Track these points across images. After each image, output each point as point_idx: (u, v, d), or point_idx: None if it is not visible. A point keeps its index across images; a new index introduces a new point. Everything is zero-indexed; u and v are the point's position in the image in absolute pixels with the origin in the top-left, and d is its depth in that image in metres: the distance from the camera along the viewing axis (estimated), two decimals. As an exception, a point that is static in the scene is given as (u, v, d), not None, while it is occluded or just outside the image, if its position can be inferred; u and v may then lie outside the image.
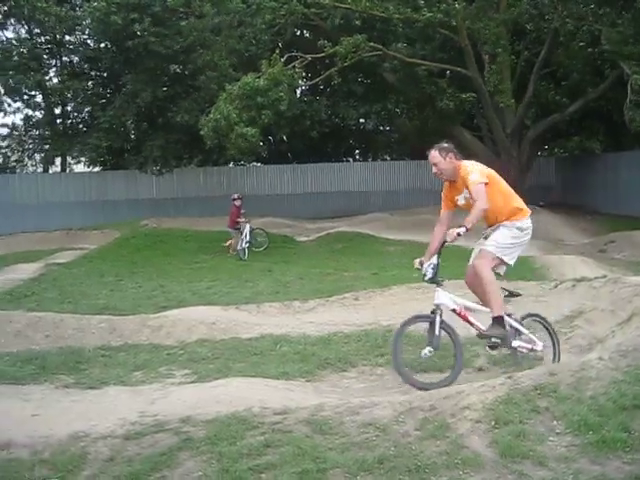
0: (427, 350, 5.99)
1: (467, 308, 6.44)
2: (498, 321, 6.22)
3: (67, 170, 33.62)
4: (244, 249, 17.30)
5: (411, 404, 5.07)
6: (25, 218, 28.51)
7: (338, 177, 29.83)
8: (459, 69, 23.78)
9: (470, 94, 23.49)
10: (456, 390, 5.28)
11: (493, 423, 4.55)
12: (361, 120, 32.34)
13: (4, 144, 33.37)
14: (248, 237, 17.83)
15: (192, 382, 6.54)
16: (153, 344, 8.16)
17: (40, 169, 33.79)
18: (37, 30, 30.75)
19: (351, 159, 35.64)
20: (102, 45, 30.57)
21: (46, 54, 31.24)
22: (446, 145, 6.49)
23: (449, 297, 6.31)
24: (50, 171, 33.64)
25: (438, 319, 6.07)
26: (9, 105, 32.19)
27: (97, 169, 33.42)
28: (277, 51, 21.58)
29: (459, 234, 6.09)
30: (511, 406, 4.67)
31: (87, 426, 5.32)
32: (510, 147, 24.26)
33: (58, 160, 33.34)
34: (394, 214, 23.97)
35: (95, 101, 30.41)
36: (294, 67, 21.68)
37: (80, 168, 35.24)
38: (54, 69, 32.12)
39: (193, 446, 4.74)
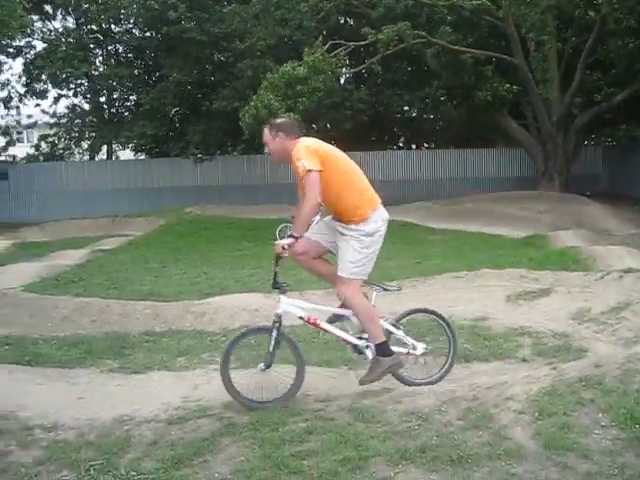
0: (261, 366, 5.39)
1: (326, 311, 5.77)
2: (382, 348, 5.42)
3: (113, 158, 34.01)
4: None
5: (454, 394, 5.05)
6: (72, 205, 28.97)
7: (382, 165, 29.63)
8: (505, 56, 23.48)
9: (512, 86, 23.18)
10: (500, 381, 5.25)
11: (537, 415, 4.50)
12: (405, 108, 32.13)
13: (52, 132, 33.86)
14: None
15: (235, 368, 6.57)
16: (196, 330, 8.23)
17: (87, 157, 34.20)
18: (83, 20, 31.10)
19: (395, 147, 35.41)
20: (146, 34, 30.88)
21: (92, 44, 31.58)
22: (279, 121, 5.61)
23: (293, 304, 5.59)
24: (96, 159, 34.05)
25: (275, 333, 5.39)
26: (57, 95, 32.81)
27: (142, 157, 33.72)
28: (319, 39, 21.52)
29: (284, 248, 5.30)
30: (555, 398, 4.62)
31: (131, 410, 5.41)
32: (556, 136, 23.89)
33: (104, 148, 33.72)
34: (437, 203, 23.80)
35: (140, 89, 30.69)
36: (336, 55, 21.60)
37: (126, 155, 35.59)
38: (100, 58, 32.49)
39: (235, 431, 4.79)
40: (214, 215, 21.86)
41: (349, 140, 31.26)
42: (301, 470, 4.19)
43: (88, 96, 32.68)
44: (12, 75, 31.84)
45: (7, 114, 33.57)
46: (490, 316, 8.05)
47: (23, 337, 8.34)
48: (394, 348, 5.51)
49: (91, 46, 31.42)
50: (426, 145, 35.47)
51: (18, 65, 31.15)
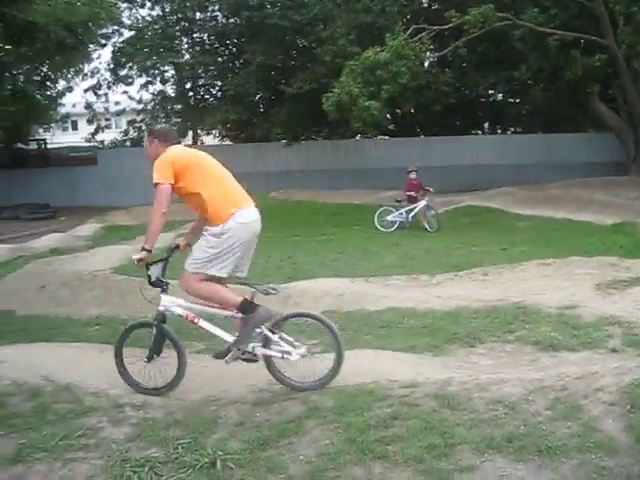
0: (144, 359, 5.61)
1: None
2: (244, 306, 5.50)
3: (198, 143, 34.53)
4: (429, 220, 16.93)
5: (542, 383, 4.96)
6: (159, 189, 29.53)
7: (466, 150, 29.26)
8: (594, 37, 22.75)
9: (600, 56, 22.29)
10: (589, 371, 5.13)
11: (629, 407, 4.39)
12: (490, 92, 31.61)
13: (138, 119, 34.61)
14: (411, 214, 17.36)
15: (319, 352, 6.60)
16: (281, 314, 8.28)
17: (172, 143, 34.77)
18: (169, 9, 31.65)
19: (479, 132, 34.91)
20: (230, 20, 31.19)
21: (178, 32, 32.10)
22: (158, 128, 5.81)
23: (174, 302, 5.76)
24: (182, 144, 34.59)
25: (155, 330, 5.64)
26: (143, 82, 33.57)
27: (227, 142, 34.12)
28: (401, 23, 21.31)
29: (139, 260, 5.51)
30: (649, 389, 4.50)
31: (218, 391, 5.50)
32: (648, 120, 23.13)
33: (190, 133, 34.27)
34: (523, 189, 23.35)
35: (224, 75, 31.04)
36: (420, 39, 21.33)
37: (211, 141, 36.08)
38: (185, 46, 32.99)
39: (320, 415, 4.82)
40: (298, 200, 22.00)
41: (433, 124, 31.07)
42: (386, 455, 4.20)
43: (173, 83, 33.29)
44: (100, 63, 32.70)
45: (96, 101, 34.53)
46: (579, 304, 7.85)
47: (113, 317, 8.60)
48: (267, 352, 5.49)
49: (177, 34, 31.95)
50: (511, 129, 34.85)
51: (106, 53, 31.95)
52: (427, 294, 9.22)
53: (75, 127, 49.29)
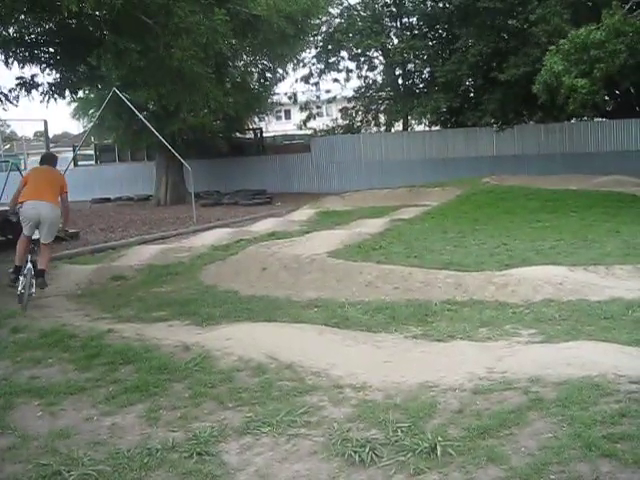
0: None
1: None
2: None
3: (408, 129, 34.59)
4: None
5: None
6: (370, 175, 30.07)
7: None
8: None
9: None
10: None
11: None
12: None
13: (350, 106, 35.22)
14: None
15: (539, 342, 6.41)
16: (498, 301, 8.11)
17: (382, 129, 35.15)
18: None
19: None
20: (439, 4, 30.90)
21: (387, 16, 32.24)
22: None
23: None
24: (392, 130, 34.85)
25: None
26: (354, 68, 34.07)
27: (437, 128, 33.93)
28: (617, -1, 20.04)
29: None
30: None
31: (436, 377, 5.48)
32: None
33: (400, 119, 34.42)
34: None
35: (434, 60, 30.82)
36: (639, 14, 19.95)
37: (420, 127, 36.07)
38: (394, 31, 33.07)
39: (543, 407, 4.67)
40: (511, 185, 21.44)
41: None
42: (614, 454, 3.99)
43: (382, 70, 33.54)
44: (310, 52, 33.54)
45: (308, 89, 35.54)
46: None
47: (331, 300, 8.80)
48: None
49: (386, 19, 32.10)
50: None
51: (317, 42, 32.67)
52: (655, 285, 8.70)
53: (288, 116, 51.10)
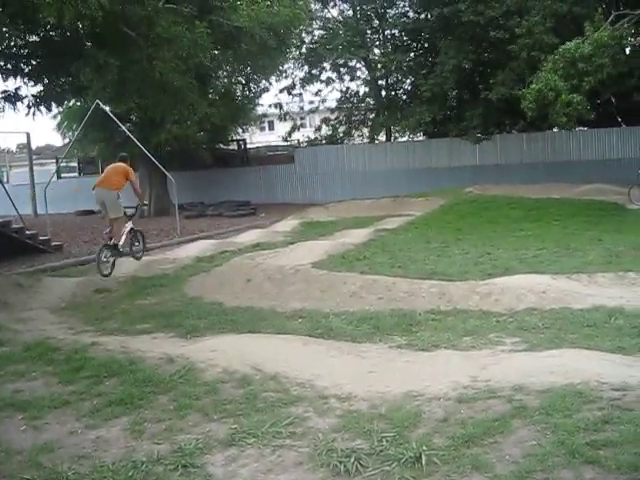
0: None
1: None
2: None
3: (391, 139, 34.69)
4: None
5: None
6: (353, 186, 30.11)
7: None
8: None
9: None
10: None
11: None
12: None
13: (333, 117, 35.32)
14: None
15: (523, 350, 6.45)
16: (482, 310, 8.16)
17: (366, 139, 35.25)
18: (359, 6, 32.01)
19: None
20: (422, 16, 31.07)
21: (369, 29, 32.39)
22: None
23: None
24: (375, 141, 34.97)
25: None
26: (336, 79, 34.23)
27: (420, 138, 34.03)
28: (600, 10, 20.23)
29: None
30: None
31: (420, 386, 5.50)
32: None
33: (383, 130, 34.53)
34: None
35: (417, 72, 30.96)
36: (622, 26, 20.13)
37: (403, 137, 36.16)
38: (377, 43, 33.23)
39: (527, 415, 4.70)
40: (494, 195, 21.54)
41: (636, 112, 29.34)
42: (597, 460, 4.02)
43: (365, 81, 33.68)
44: (292, 64, 33.66)
45: (291, 101, 35.63)
46: None
47: (315, 311, 8.81)
48: None
49: (368, 32, 32.26)
50: None
51: (300, 54, 32.86)
52: (635, 293, 8.75)
53: (271, 127, 51.14)
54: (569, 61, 18.60)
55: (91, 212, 31.31)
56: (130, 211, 13.18)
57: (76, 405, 5.56)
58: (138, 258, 12.94)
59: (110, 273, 11.83)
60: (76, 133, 26.67)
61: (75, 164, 38.62)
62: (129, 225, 12.63)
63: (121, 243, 12.19)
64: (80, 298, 10.88)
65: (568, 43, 18.96)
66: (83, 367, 6.39)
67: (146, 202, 16.45)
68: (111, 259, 12.02)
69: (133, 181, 12.75)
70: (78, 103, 25.12)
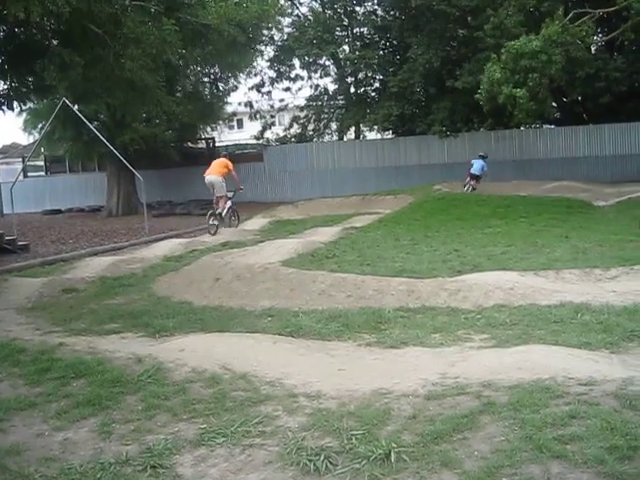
0: None
1: None
2: None
3: (360, 137, 34.78)
4: None
5: None
6: (323, 184, 30.17)
7: (639, 138, 27.86)
8: None
9: None
10: None
11: None
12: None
13: (302, 115, 35.34)
14: None
15: (491, 347, 6.49)
16: (450, 307, 8.20)
17: (335, 137, 35.30)
18: (328, 3, 32.07)
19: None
20: (390, 13, 31.21)
21: (338, 26, 32.44)
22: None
23: None
24: (344, 139, 35.03)
25: None
26: (306, 77, 34.26)
27: (389, 136, 34.18)
28: (563, 8, 20.40)
29: None
30: None
31: (389, 384, 5.51)
32: None
33: (352, 128, 34.63)
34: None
35: (385, 69, 31.10)
36: (582, 24, 20.27)
37: (372, 135, 36.30)
38: (346, 40, 33.30)
39: (495, 411, 4.72)
40: (463, 192, 21.71)
41: (602, 111, 29.73)
42: (564, 455, 4.05)
43: (334, 78, 33.75)
44: (265, 61, 33.73)
45: (260, 99, 35.62)
46: None
47: (284, 309, 8.80)
48: None
49: (337, 29, 32.31)
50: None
51: (269, 51, 33.00)
52: (602, 289, 8.86)
53: (240, 125, 51.00)
54: (514, 56, 18.76)
55: (58, 211, 31.12)
56: (230, 193, 18.96)
57: (43, 407, 5.50)
58: (235, 226, 19.35)
59: (215, 233, 17.84)
60: (42, 132, 26.41)
61: (42, 163, 38.22)
62: (229, 203, 18.84)
63: (224, 213, 18.61)
64: (47, 298, 10.75)
65: (518, 40, 19.13)
66: (50, 368, 6.32)
67: (242, 187, 19.88)
68: (216, 223, 18.12)
69: (232, 171, 18.77)
70: (45, 101, 24.84)
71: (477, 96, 19.99)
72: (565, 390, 4.92)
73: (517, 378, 5.21)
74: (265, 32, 25.48)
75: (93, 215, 29.84)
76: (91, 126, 22.65)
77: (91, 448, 4.75)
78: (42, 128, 27.94)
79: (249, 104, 35.78)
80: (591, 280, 9.49)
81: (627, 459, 3.95)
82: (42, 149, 34.13)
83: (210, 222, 17.94)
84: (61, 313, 9.62)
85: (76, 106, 22.77)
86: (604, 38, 25.71)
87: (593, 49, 26.74)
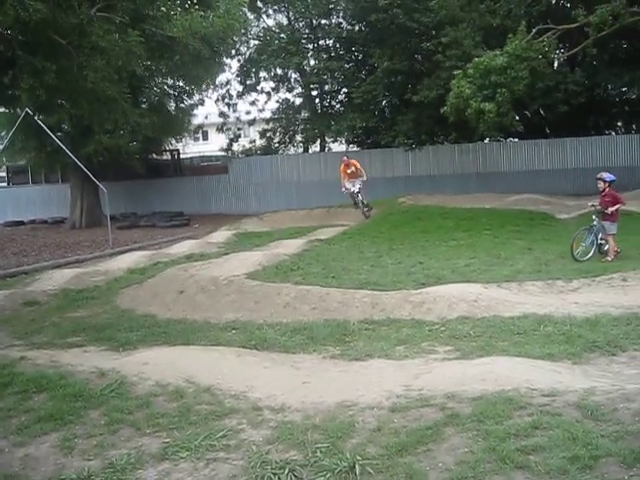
0: None
1: None
2: None
3: (326, 150, 34.85)
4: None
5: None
6: (288, 196, 30.14)
7: (599, 151, 28.20)
8: None
9: None
10: None
11: None
12: (623, 90, 30.34)
13: (268, 127, 35.36)
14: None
15: (455, 359, 6.54)
16: (415, 319, 8.25)
17: (300, 149, 35.34)
18: (294, 16, 32.19)
19: (613, 132, 33.55)
20: (355, 27, 31.40)
21: (304, 38, 32.56)
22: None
23: None
24: (310, 151, 35.08)
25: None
26: (270, 91, 34.33)
27: (354, 148, 34.29)
28: (525, 24, 20.66)
29: None
30: None
31: (354, 396, 5.52)
32: None
33: (318, 141, 34.70)
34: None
35: (350, 82, 31.21)
36: (546, 39, 20.56)
37: (339, 148, 36.37)
38: (311, 52, 33.41)
39: (459, 422, 4.76)
40: (427, 205, 21.82)
41: (563, 125, 30.15)
42: (527, 465, 4.10)
43: (300, 90, 33.83)
44: (231, 74, 33.75)
45: (227, 111, 35.57)
46: None
47: (249, 322, 8.79)
48: None
49: (303, 41, 32.42)
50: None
51: (234, 63, 33.06)
52: (564, 300, 8.98)
53: (206, 137, 50.84)
54: (482, 72, 18.98)
55: (21, 223, 30.71)
56: (357, 187, 21.01)
57: (3, 422, 5.41)
58: (367, 217, 21.16)
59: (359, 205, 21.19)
60: (5, 142, 26.08)
61: (4, 174, 37.73)
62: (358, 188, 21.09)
63: (360, 198, 21.12)
64: (8, 311, 10.61)
65: (483, 56, 19.35)
66: (11, 383, 6.22)
67: (367, 177, 21.54)
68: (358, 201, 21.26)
69: (359, 167, 21.42)
70: (7, 111, 24.55)
71: (444, 109, 20.17)
72: (528, 401, 4.97)
73: (481, 389, 5.25)
74: (231, 45, 25.43)
75: (56, 227, 29.48)
76: (54, 137, 22.41)
77: (53, 464, 4.69)
78: (2, 138, 27.60)
79: (222, 114, 35.72)
80: (553, 292, 9.61)
81: (589, 469, 4.01)
82: (4, 159, 33.70)
83: (357, 200, 21.38)
84: (22, 326, 9.50)
85: (39, 116, 22.49)
86: (566, 53, 26.04)
87: (555, 64, 27.10)
